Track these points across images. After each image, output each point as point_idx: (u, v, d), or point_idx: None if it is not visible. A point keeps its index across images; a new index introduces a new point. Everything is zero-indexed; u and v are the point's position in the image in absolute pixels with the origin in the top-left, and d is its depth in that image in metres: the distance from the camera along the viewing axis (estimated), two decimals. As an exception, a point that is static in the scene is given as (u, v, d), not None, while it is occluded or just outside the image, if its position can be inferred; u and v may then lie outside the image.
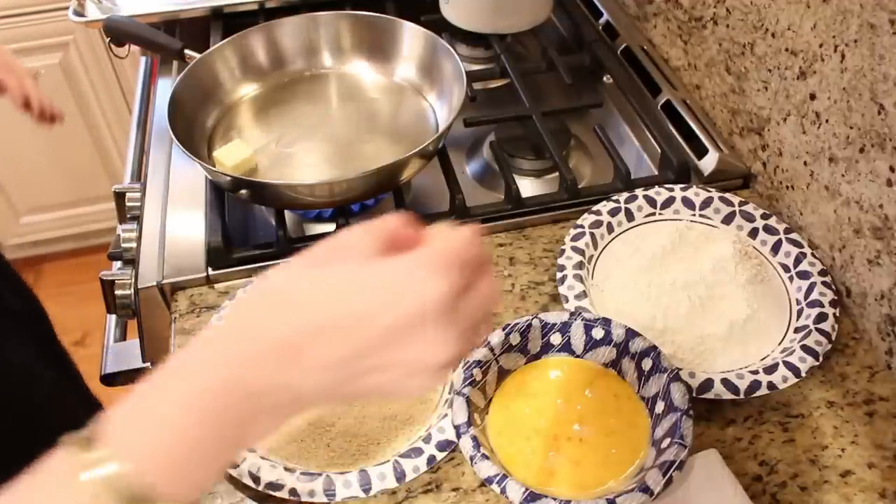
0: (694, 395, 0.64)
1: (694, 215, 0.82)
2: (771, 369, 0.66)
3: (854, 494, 0.62)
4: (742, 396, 0.65)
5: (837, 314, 0.71)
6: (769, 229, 0.79)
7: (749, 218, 0.80)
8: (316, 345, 0.30)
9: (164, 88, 1.03)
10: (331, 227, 0.82)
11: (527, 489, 0.55)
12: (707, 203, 0.82)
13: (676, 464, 0.56)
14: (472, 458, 0.58)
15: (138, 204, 0.90)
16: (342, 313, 0.31)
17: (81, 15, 1.05)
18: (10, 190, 1.87)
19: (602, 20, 1.14)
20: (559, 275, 0.75)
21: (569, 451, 0.61)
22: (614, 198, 0.82)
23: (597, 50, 1.05)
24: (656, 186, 0.84)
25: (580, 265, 0.76)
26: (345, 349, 0.31)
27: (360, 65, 0.99)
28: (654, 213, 0.82)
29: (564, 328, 0.66)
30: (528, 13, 1.05)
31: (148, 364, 0.89)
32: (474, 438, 0.59)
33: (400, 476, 0.60)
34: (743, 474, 0.63)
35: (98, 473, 0.26)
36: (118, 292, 0.83)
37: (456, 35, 1.07)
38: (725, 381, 0.65)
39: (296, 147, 0.89)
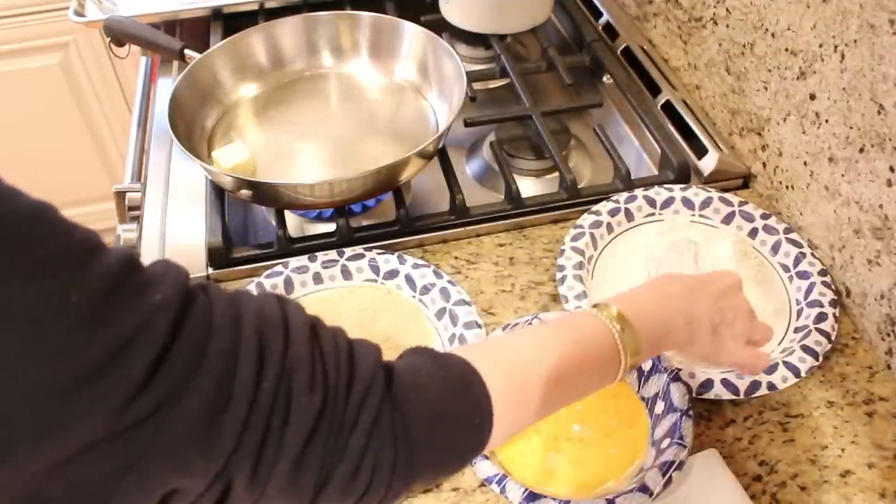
0: (694, 395, 0.64)
1: (694, 215, 0.82)
2: (771, 369, 0.66)
3: (854, 494, 0.62)
4: (742, 396, 0.65)
5: (837, 314, 0.71)
6: (769, 229, 0.79)
7: (749, 218, 0.80)
8: (696, 301, 0.56)
9: (164, 88, 1.03)
10: (331, 226, 0.82)
11: (527, 489, 0.55)
12: (707, 203, 0.82)
13: (676, 464, 0.56)
14: (472, 458, 0.58)
15: (138, 204, 0.90)
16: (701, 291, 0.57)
17: (81, 15, 1.05)
18: (10, 190, 1.87)
19: (602, 20, 1.14)
20: (559, 275, 0.75)
21: (569, 451, 0.61)
22: (614, 198, 0.82)
23: (597, 50, 1.05)
24: (656, 186, 0.84)
25: (580, 265, 0.76)
26: (706, 302, 0.56)
27: (360, 65, 0.99)
28: (653, 214, 0.82)
29: (564, 328, 0.66)
30: (528, 13, 1.05)
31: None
32: (474, 438, 0.59)
33: (400, 476, 0.60)
34: (743, 474, 0.63)
35: (605, 311, 0.51)
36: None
37: (456, 35, 1.07)
38: (725, 381, 0.65)
39: (296, 147, 0.89)
